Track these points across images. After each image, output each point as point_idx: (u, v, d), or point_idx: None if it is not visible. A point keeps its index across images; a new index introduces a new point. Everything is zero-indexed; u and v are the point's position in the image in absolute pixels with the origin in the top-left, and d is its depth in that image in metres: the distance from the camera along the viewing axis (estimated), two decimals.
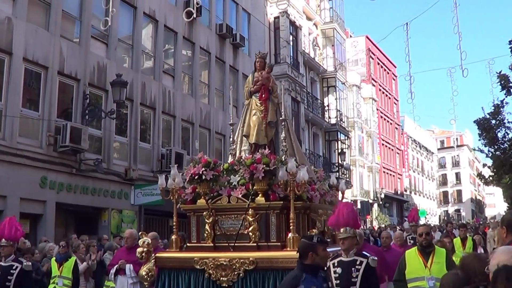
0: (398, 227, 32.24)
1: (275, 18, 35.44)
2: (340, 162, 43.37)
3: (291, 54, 35.86)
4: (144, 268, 8.64)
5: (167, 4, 25.70)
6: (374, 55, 63.35)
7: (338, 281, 6.76)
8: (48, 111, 18.61)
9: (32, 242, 15.62)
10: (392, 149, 68.31)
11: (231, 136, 10.14)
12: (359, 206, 49.14)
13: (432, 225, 36.24)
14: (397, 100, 73.46)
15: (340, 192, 10.48)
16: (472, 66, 46.75)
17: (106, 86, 20.98)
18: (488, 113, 30.84)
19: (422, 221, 63.80)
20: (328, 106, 44.14)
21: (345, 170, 43.83)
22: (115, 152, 22.03)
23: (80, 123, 19.53)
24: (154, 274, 8.56)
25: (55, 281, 11.08)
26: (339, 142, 44.35)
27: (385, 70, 68.73)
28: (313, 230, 8.26)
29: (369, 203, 53.70)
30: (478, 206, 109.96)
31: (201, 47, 27.72)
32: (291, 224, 7.90)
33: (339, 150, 43.87)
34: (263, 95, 9.82)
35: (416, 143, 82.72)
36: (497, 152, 31.06)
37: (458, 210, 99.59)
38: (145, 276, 8.65)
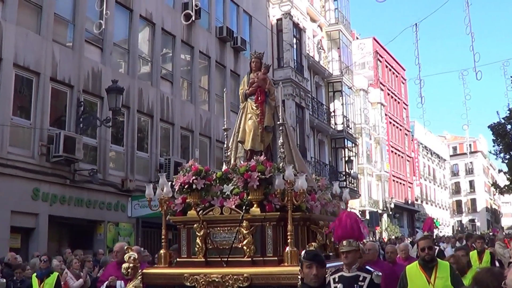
0: (408, 239, 32.14)
1: (277, 20, 35.45)
2: (347, 170, 43.23)
3: (295, 58, 35.84)
4: (131, 286, 8.48)
5: (165, 6, 25.73)
6: (382, 57, 63.28)
7: None
8: (40, 119, 18.59)
9: (24, 258, 15.56)
10: (402, 157, 68.14)
11: (225, 142, 10.01)
12: (367, 216, 48.95)
13: (446, 236, 36.11)
14: (407, 105, 73.30)
15: (343, 202, 10.30)
16: (486, 68, 46.92)
17: (101, 92, 20.98)
18: (503, 118, 30.85)
19: (434, 231, 63.49)
20: (334, 112, 44.08)
21: (352, 179, 43.71)
22: (111, 162, 22.00)
23: (74, 132, 19.52)
24: None
25: None
26: (346, 149, 44.24)
27: (393, 73, 68.64)
28: (312, 243, 8.03)
29: (378, 213, 53.45)
30: (493, 215, 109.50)
31: (200, 51, 27.73)
32: (289, 237, 7.68)
33: (346, 158, 43.74)
34: (259, 98, 9.65)
35: (427, 149, 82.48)
36: None
37: (472, 220, 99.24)
38: None
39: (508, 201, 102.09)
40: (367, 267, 6.85)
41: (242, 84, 10.12)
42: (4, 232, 16.99)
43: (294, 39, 35.95)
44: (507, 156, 31.12)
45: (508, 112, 29.82)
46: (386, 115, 61.84)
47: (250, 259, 8.00)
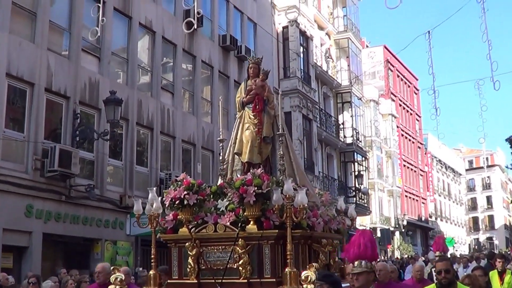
0: (422, 258, 32.02)
1: (283, 28, 35.51)
2: (357, 186, 43.14)
3: (302, 67, 35.89)
4: None
5: (165, 13, 25.82)
6: (393, 66, 63.32)
7: None
8: (34, 132, 18.60)
9: (16, 278, 15.50)
10: (415, 171, 68.01)
11: (221, 154, 9.89)
12: (378, 234, 48.81)
13: (456, 255, 35.89)
14: (420, 117, 73.25)
15: (349, 219, 10.15)
16: (504, 77, 46.52)
17: (99, 104, 21.02)
18: None
19: (449, 250, 63.31)
20: (343, 124, 44.05)
21: (362, 195, 43.59)
22: (109, 177, 22.01)
23: (70, 145, 19.53)
24: None
25: None
26: (356, 163, 44.15)
27: (405, 83, 68.65)
28: (313, 264, 7.86)
29: (390, 231, 53.30)
30: None
31: (202, 61, 27.79)
32: (288, 256, 7.56)
33: (356, 173, 43.64)
34: (257, 106, 9.53)
35: (441, 163, 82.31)
36: None
37: (490, 238, 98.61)
38: None
39: None
40: None
41: (239, 92, 9.97)
42: None
43: (301, 48, 36.00)
44: None
45: None
46: (398, 127, 61.78)
47: (246, 280, 7.91)
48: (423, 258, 29.82)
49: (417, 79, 73.30)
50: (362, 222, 45.27)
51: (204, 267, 8.21)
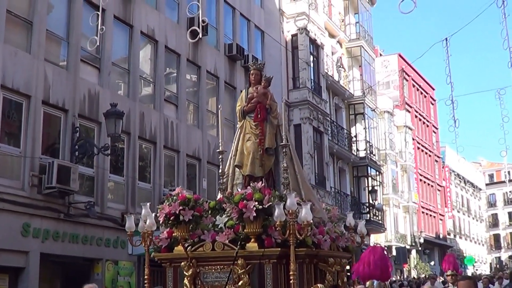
0: (439, 279, 31.83)
1: (292, 36, 35.56)
2: (371, 201, 43.10)
3: (312, 77, 35.91)
4: None
5: (168, 22, 25.86)
6: (408, 76, 63.33)
7: None
8: (31, 147, 18.58)
9: None
10: (432, 186, 67.86)
11: (220, 166, 9.77)
12: (394, 252, 48.69)
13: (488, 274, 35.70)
14: (437, 128, 73.23)
15: (359, 236, 9.98)
16: None
17: (99, 117, 21.02)
18: None
19: (469, 270, 63.01)
20: (356, 136, 44.02)
21: (377, 211, 43.53)
22: (110, 193, 21.99)
23: (68, 161, 19.52)
24: None
25: None
26: (370, 178, 44.12)
27: (421, 93, 68.63)
28: (318, 285, 7.71)
29: (406, 249, 53.15)
30: None
31: (207, 71, 27.82)
32: (291, 277, 7.41)
33: (370, 188, 43.62)
34: (259, 115, 9.43)
35: (460, 178, 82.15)
36: None
37: None
38: None
39: None
40: None
41: (240, 100, 9.85)
42: None
43: (311, 57, 36.03)
44: None
45: None
46: (413, 139, 61.74)
47: None
48: (442, 279, 29.63)
49: (433, 89, 73.28)
50: (377, 240, 45.13)
51: None
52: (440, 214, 68.81)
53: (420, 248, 58.67)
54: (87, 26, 19.72)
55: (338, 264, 8.75)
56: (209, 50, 28.05)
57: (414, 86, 65.55)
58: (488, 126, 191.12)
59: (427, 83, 71.21)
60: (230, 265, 7.88)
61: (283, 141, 9.31)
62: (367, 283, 6.26)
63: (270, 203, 7.67)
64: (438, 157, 72.02)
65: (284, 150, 9.24)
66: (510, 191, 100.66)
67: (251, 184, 8.31)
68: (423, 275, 44.17)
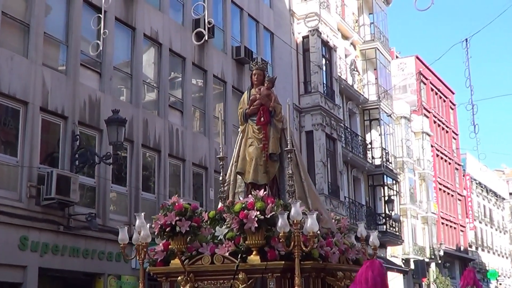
0: None
1: (303, 37, 35.58)
2: (387, 212, 42.99)
3: (325, 81, 35.88)
4: None
5: (173, 24, 25.89)
6: (426, 79, 63.26)
7: None
8: (28, 156, 18.60)
9: None
10: (452, 195, 67.68)
11: (221, 173, 9.67)
12: (412, 266, 48.46)
13: None
14: (457, 135, 73.09)
15: (370, 248, 9.86)
16: None
17: (100, 124, 21.04)
18: None
19: (492, 284, 62.71)
20: (371, 143, 44.00)
21: (393, 222, 43.41)
22: (112, 204, 22.00)
23: (68, 170, 19.53)
24: None
25: None
26: (386, 187, 44.06)
27: (440, 97, 68.53)
28: None
29: (424, 262, 52.88)
30: None
31: (214, 75, 27.84)
32: None
33: (386, 198, 43.55)
34: (262, 119, 9.33)
35: (482, 186, 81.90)
36: None
37: None
38: None
39: None
40: None
41: (241, 102, 9.74)
42: None
43: (323, 60, 36.00)
44: None
45: None
46: (432, 146, 61.63)
47: None
48: None
49: (453, 93, 73.19)
50: (394, 253, 45.05)
51: None
52: (461, 225, 68.60)
53: (440, 261, 58.45)
54: (87, 28, 19.78)
55: (347, 278, 8.61)
56: (216, 53, 28.07)
57: (432, 90, 65.43)
58: (511, 132, 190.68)
59: (446, 86, 71.08)
60: (231, 279, 7.82)
61: (288, 146, 9.18)
62: None
63: (273, 212, 7.56)
64: (459, 164, 71.84)
65: (289, 155, 9.11)
66: None
67: (252, 192, 8.19)
68: None
